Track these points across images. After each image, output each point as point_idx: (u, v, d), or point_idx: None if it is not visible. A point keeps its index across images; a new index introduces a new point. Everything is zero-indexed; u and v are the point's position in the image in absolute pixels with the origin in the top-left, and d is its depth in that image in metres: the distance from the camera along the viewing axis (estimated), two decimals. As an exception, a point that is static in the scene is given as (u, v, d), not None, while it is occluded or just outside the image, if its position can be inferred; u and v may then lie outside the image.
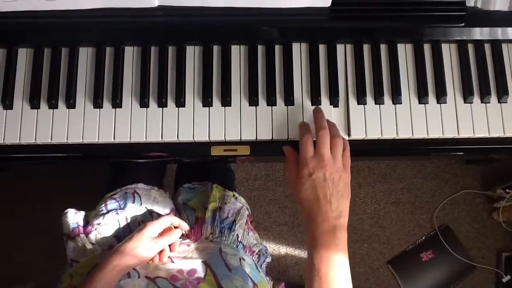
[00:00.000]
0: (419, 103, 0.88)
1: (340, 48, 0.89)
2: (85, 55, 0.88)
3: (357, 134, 0.86)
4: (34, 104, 0.86)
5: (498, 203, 1.72)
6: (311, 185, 0.76)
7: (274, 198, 1.79)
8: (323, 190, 0.76)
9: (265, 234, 1.77)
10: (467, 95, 0.88)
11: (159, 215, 0.99)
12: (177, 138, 0.85)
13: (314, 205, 0.76)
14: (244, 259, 0.94)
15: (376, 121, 0.87)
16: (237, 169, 1.77)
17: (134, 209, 0.98)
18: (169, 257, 0.90)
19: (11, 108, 0.86)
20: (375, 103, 0.87)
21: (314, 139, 0.80)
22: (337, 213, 0.76)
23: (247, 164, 1.79)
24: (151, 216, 0.99)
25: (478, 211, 1.79)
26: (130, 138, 0.85)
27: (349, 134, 0.87)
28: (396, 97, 0.87)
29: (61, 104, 0.87)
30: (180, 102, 0.86)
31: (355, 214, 1.78)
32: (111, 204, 0.98)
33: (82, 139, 0.85)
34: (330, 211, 0.75)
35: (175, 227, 0.94)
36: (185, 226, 0.96)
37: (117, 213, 0.96)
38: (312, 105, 0.87)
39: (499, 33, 0.89)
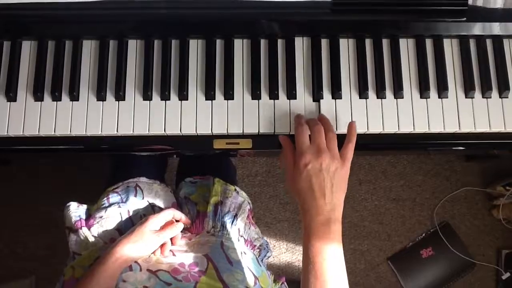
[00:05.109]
0: (421, 97, 0.88)
1: (342, 42, 0.90)
2: (89, 47, 0.89)
3: (359, 128, 0.86)
4: (38, 96, 0.86)
5: (498, 200, 1.73)
6: (307, 175, 0.76)
7: (275, 194, 1.79)
8: (318, 181, 0.75)
9: (266, 230, 1.77)
10: (468, 90, 0.88)
11: (160, 209, 0.99)
12: (180, 131, 0.86)
13: (309, 196, 0.76)
14: (245, 253, 0.94)
15: (378, 115, 0.87)
16: (238, 165, 1.77)
17: (136, 203, 0.98)
18: (170, 250, 0.90)
19: (15, 101, 0.87)
20: (377, 98, 0.88)
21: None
22: (331, 206, 0.75)
23: (248, 159, 1.79)
24: (153, 209, 0.99)
25: (478, 209, 1.79)
26: (133, 131, 0.86)
27: (351, 128, 0.87)
28: (398, 92, 0.87)
29: (65, 97, 0.87)
30: (182, 95, 0.86)
31: (356, 210, 1.79)
32: (113, 198, 0.98)
33: (86, 131, 0.86)
34: (324, 204, 0.75)
35: (177, 221, 0.94)
36: (186, 220, 0.97)
37: (119, 207, 0.96)
38: (314, 99, 0.88)
39: (501, 28, 0.89)
